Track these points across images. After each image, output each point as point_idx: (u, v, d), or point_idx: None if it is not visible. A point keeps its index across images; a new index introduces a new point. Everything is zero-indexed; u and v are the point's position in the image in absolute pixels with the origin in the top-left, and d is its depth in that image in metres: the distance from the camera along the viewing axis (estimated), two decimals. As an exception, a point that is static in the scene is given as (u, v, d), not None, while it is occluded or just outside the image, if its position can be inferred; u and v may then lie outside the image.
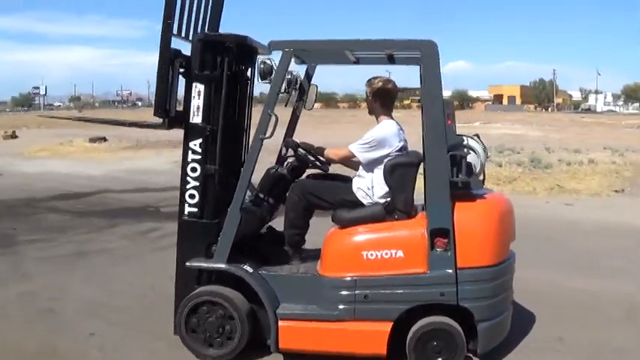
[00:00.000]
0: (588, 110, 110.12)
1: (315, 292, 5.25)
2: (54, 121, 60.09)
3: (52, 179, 17.95)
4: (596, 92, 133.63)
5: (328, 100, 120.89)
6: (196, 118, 5.50)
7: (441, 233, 5.01)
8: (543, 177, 17.02)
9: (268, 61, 5.35)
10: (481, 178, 5.61)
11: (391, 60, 5.86)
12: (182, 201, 5.56)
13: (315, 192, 5.56)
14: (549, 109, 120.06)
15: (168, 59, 5.46)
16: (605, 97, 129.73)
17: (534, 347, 5.76)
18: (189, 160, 5.52)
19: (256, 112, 5.80)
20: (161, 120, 5.59)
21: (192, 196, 5.53)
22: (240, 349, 5.33)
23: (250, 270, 5.33)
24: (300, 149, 5.90)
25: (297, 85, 6.04)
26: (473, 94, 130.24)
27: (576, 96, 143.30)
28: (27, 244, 9.65)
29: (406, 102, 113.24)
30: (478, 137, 5.60)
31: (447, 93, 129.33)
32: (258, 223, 5.68)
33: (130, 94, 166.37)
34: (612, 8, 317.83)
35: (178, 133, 5.68)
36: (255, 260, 5.51)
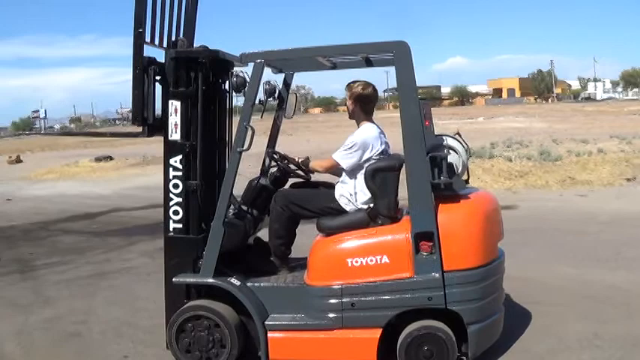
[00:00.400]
0: (588, 99, 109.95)
1: (303, 302, 5.26)
2: (57, 144, 60.61)
3: (63, 201, 17.91)
4: (595, 80, 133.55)
5: (328, 105, 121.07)
6: (175, 135, 5.53)
7: (425, 237, 4.97)
8: (554, 169, 16.94)
9: (241, 74, 5.39)
10: (465, 177, 5.54)
11: (368, 63, 5.87)
12: (166, 217, 5.58)
13: (298, 201, 5.55)
14: (549, 99, 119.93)
15: (142, 67, 5.48)
16: (604, 85, 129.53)
17: (571, 344, 5.70)
18: (170, 177, 5.54)
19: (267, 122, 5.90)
20: (141, 128, 5.64)
21: (176, 212, 5.55)
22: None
23: (237, 283, 5.35)
24: (279, 159, 5.95)
25: (276, 95, 5.89)
26: (472, 89, 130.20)
27: (575, 85, 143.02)
28: (46, 267, 9.59)
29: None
30: (459, 136, 5.56)
31: (446, 89, 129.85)
32: (242, 235, 5.67)
33: (129, 111, 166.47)
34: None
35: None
36: (242, 272, 5.54)
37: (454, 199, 5.13)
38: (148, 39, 5.54)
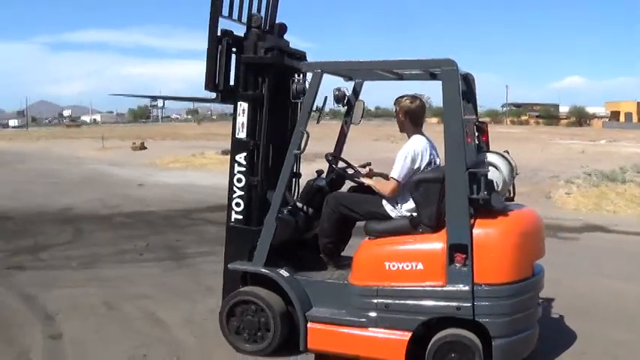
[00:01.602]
0: None
1: (343, 299, 5.53)
2: (177, 133, 62.13)
3: (196, 191, 18.36)
4: None
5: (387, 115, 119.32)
6: (241, 134, 6.01)
7: (459, 249, 5.11)
8: (688, 198, 16.20)
9: (301, 81, 5.72)
10: (507, 194, 5.70)
11: (433, 76, 5.95)
12: (229, 208, 6.09)
13: (347, 204, 5.84)
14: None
15: (217, 39, 5.94)
16: None
17: None
18: (235, 171, 6.04)
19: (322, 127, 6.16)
20: (214, 94, 6.10)
21: (237, 205, 6.05)
22: (274, 347, 5.77)
23: (286, 274, 5.76)
24: (334, 163, 6.26)
25: (345, 101, 6.16)
26: (589, 110, 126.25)
27: None
28: (197, 256, 9.87)
29: (524, 118, 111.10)
30: (508, 153, 5.69)
31: (565, 109, 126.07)
32: (292, 231, 5.98)
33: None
34: None
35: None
36: (295, 265, 5.92)
37: (493, 215, 5.26)
38: (225, 13, 6.03)
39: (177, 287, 8.05)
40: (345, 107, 6.53)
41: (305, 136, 5.64)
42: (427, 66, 5.69)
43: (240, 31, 6.18)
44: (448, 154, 5.18)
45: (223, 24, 6.02)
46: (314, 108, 5.82)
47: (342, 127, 6.74)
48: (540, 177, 20.58)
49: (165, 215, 14.18)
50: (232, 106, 6.08)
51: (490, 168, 5.35)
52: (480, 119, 6.06)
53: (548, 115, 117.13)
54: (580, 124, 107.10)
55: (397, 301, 5.30)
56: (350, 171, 6.28)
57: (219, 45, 5.97)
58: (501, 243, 5.20)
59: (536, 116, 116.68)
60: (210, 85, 5.98)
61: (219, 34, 5.97)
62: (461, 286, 5.11)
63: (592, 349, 6.14)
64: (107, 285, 8.14)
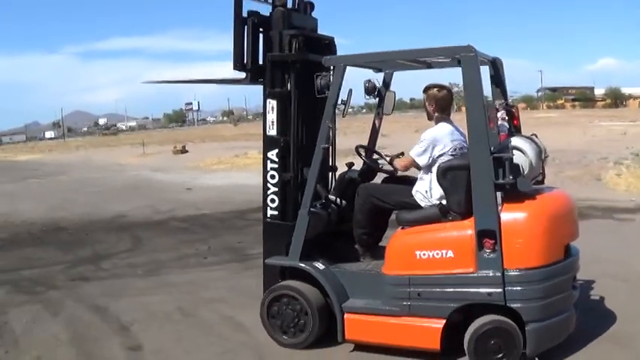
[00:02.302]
0: None
1: (378, 289, 5.55)
2: (215, 135, 62.53)
3: (245, 191, 17.83)
4: None
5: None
6: (272, 131, 6.10)
7: (487, 234, 5.10)
8: None
9: (325, 76, 5.76)
10: (539, 177, 5.63)
11: (459, 63, 5.80)
12: (264, 205, 6.21)
13: (378, 195, 5.88)
14: None
15: (242, 19, 6.08)
16: None
17: None
18: (268, 168, 6.13)
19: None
20: (244, 75, 6.18)
21: (272, 201, 6.15)
22: (312, 339, 5.82)
23: (321, 267, 5.81)
24: (366, 155, 6.33)
25: (376, 92, 6.22)
26: (625, 91, 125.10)
27: None
28: (261, 257, 9.51)
29: (560, 102, 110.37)
30: (536, 136, 5.65)
31: (600, 91, 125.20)
32: (325, 224, 5.99)
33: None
34: None
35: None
36: (331, 258, 5.97)
37: (521, 199, 5.21)
38: None
39: (249, 289, 7.70)
40: (377, 99, 6.59)
41: (331, 129, 5.79)
42: (446, 53, 5.72)
43: (266, 11, 6.28)
44: (471, 140, 5.23)
45: (249, 5, 6.18)
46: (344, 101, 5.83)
47: (374, 118, 6.81)
48: (588, 159, 20.32)
49: (219, 217, 14.12)
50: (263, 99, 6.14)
51: (515, 152, 5.31)
52: (516, 105, 6.16)
53: (585, 97, 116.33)
54: (616, 106, 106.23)
55: (429, 289, 5.33)
56: (380, 161, 6.33)
57: (245, 25, 6.11)
58: (529, 227, 5.18)
59: (572, 100, 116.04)
60: (238, 64, 6.12)
61: (244, 15, 6.11)
62: (491, 272, 5.11)
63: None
64: (177, 291, 8.04)
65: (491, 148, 5.13)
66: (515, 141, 5.43)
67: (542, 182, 5.75)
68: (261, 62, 6.22)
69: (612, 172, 17.55)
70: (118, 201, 17.79)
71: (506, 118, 5.91)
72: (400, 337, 5.47)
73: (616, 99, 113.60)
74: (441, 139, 5.62)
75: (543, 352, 5.22)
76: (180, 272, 9.07)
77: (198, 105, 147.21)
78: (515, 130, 5.91)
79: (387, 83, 6.69)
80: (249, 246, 10.55)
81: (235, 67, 6.16)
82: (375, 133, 6.74)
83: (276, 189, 6.11)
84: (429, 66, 6.41)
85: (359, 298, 5.72)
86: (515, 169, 5.18)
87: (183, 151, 39.10)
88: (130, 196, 18.86)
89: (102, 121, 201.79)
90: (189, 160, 33.49)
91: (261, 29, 6.20)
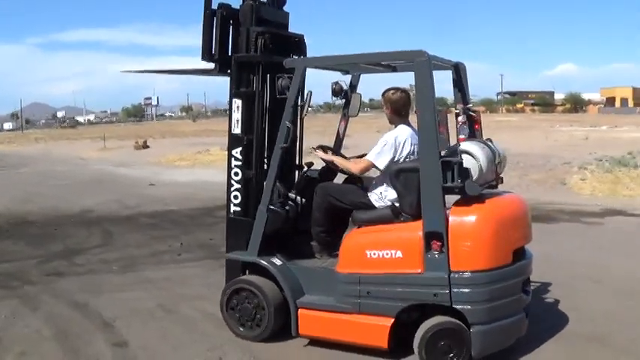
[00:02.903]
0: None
1: (331, 286, 5.66)
2: (175, 130, 62.27)
3: (211, 188, 17.96)
4: None
5: (442, 106, 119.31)
6: (236, 129, 6.29)
7: (435, 236, 5.18)
8: (702, 182, 16.34)
9: (286, 77, 6.07)
10: (490, 182, 5.75)
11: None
12: (228, 201, 6.39)
13: (335, 194, 5.99)
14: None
15: (212, 10, 6.28)
16: None
17: None
18: (232, 165, 6.33)
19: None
20: (213, 65, 6.38)
21: (235, 197, 6.33)
22: (268, 333, 5.97)
23: (278, 262, 5.99)
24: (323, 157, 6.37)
25: (343, 94, 6.54)
26: (584, 96, 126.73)
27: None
28: None
29: (519, 106, 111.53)
30: (490, 141, 5.78)
31: (560, 96, 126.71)
32: (283, 221, 6.15)
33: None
34: None
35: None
36: (289, 254, 6.14)
37: (470, 202, 5.30)
38: None
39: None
40: (343, 100, 6.75)
41: (290, 130, 5.86)
42: (400, 57, 5.88)
43: (238, 3, 6.43)
44: (421, 143, 5.33)
45: None
46: (320, 102, 6.02)
47: (340, 119, 6.95)
48: (552, 164, 20.62)
49: (188, 214, 14.10)
50: (227, 100, 6.32)
51: (466, 156, 5.40)
52: (475, 108, 6.23)
53: (544, 102, 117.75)
54: (576, 111, 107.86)
55: (378, 288, 5.40)
56: (337, 160, 6.34)
57: (214, 17, 6.30)
58: (476, 230, 5.25)
59: (532, 104, 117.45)
60: (206, 55, 6.31)
61: (214, 7, 6.30)
62: (437, 273, 5.18)
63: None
64: (155, 287, 8.00)
65: (441, 152, 5.25)
66: (465, 145, 5.55)
67: (495, 187, 5.90)
68: (230, 53, 6.38)
69: (577, 176, 17.92)
70: (84, 195, 17.58)
71: (467, 122, 6.01)
72: (350, 334, 5.58)
73: (576, 104, 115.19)
74: (400, 143, 5.70)
75: (496, 352, 5.32)
76: (155, 269, 9.01)
77: (157, 100, 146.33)
78: (476, 134, 6.02)
79: (353, 85, 6.81)
80: (221, 243, 10.07)
81: (203, 58, 6.35)
82: (341, 133, 6.91)
83: (239, 186, 6.29)
84: (394, 69, 6.51)
85: (313, 294, 5.85)
86: (464, 173, 5.25)
87: (145, 146, 38.98)
88: (96, 191, 18.69)
89: (60, 114, 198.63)
90: (150, 155, 33.38)
91: (231, 21, 6.38)
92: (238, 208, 6.31)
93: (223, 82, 6.35)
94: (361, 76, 6.82)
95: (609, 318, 6.61)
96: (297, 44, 6.77)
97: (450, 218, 5.20)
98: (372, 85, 7.09)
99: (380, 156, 5.70)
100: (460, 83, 6.16)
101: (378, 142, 5.77)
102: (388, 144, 5.68)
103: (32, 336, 6.31)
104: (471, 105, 6.13)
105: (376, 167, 5.78)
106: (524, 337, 6.00)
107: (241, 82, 6.27)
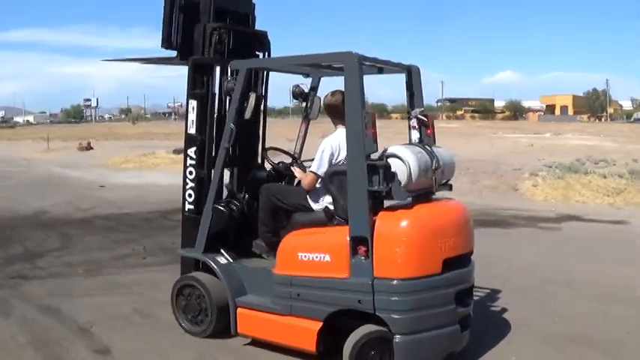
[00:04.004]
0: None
1: (268, 287, 5.65)
2: (117, 133, 61.52)
3: (162, 191, 18.02)
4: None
5: (381, 112, 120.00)
6: (191, 130, 6.41)
7: (360, 241, 5.08)
8: (646, 189, 16.80)
9: (231, 80, 6.11)
10: (425, 188, 5.54)
11: (380, 70, 6.17)
12: (183, 199, 6.51)
13: (277, 195, 6.02)
14: (602, 119, 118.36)
15: (170, 1, 6.38)
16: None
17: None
18: (187, 164, 6.44)
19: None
20: (175, 53, 6.51)
21: (190, 195, 6.45)
22: (211, 330, 6.06)
23: (223, 261, 6.07)
24: (270, 161, 6.57)
25: (303, 97, 6.72)
26: (524, 104, 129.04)
27: (626, 105, 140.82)
28: None
29: (460, 112, 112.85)
30: (429, 147, 5.63)
31: (500, 103, 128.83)
32: (227, 219, 6.16)
33: (181, 105, 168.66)
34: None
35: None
36: (237, 252, 6.21)
37: (400, 208, 5.25)
38: None
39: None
40: (304, 103, 6.85)
41: (234, 131, 5.93)
42: (330, 59, 5.89)
43: None
44: (348, 145, 5.22)
45: None
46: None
47: (301, 122, 7.04)
48: (503, 170, 21.04)
49: (143, 217, 13.89)
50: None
51: (395, 160, 5.25)
52: (432, 114, 6.19)
53: (485, 109, 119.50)
54: (516, 118, 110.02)
55: (307, 291, 5.37)
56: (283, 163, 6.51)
57: (174, 5, 6.38)
58: (400, 237, 5.09)
59: (472, 111, 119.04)
60: (165, 43, 6.41)
61: None
62: (362, 279, 5.08)
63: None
64: (127, 292, 7.81)
65: (369, 155, 5.13)
66: (395, 148, 5.37)
67: (432, 193, 5.68)
68: (192, 39, 6.44)
69: (528, 182, 18.26)
70: (35, 196, 17.16)
71: (417, 127, 5.90)
72: (282, 336, 5.57)
73: (515, 111, 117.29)
74: (337, 147, 5.65)
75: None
76: (123, 273, 8.82)
77: (97, 101, 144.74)
78: (426, 139, 5.89)
79: (313, 88, 6.82)
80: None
81: (163, 45, 6.43)
82: (302, 136, 6.96)
83: (193, 184, 6.40)
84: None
85: (253, 294, 5.87)
86: (391, 177, 5.15)
87: (89, 147, 38.31)
88: (46, 192, 18.26)
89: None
90: (95, 157, 32.75)
91: (190, 9, 6.43)
92: (192, 206, 6.42)
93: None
94: (321, 79, 6.84)
95: (588, 321, 6.74)
96: (259, 41, 6.79)
97: (377, 223, 5.08)
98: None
99: (321, 165, 5.68)
100: (413, 87, 6.05)
101: (317, 149, 5.75)
102: (325, 151, 5.67)
103: (8, 343, 6.08)
104: (422, 109, 6.01)
105: (320, 177, 5.75)
106: (511, 338, 6.19)
107: (196, 84, 6.36)
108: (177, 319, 6.34)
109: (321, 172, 5.67)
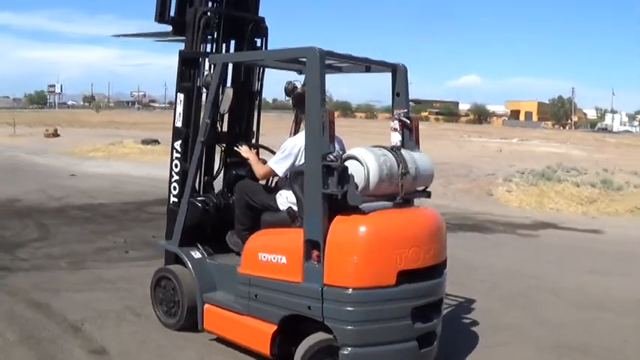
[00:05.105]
0: (605, 129, 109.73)
1: (233, 285, 5.59)
2: (81, 120, 60.93)
3: (135, 182, 18.09)
4: (613, 112, 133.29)
5: (345, 110, 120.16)
6: (178, 123, 6.44)
7: (314, 245, 4.89)
8: (619, 199, 17.13)
9: (210, 74, 6.11)
10: (390, 193, 5.19)
11: (368, 69, 6.08)
12: (169, 191, 6.54)
13: (249, 193, 5.96)
14: (567, 126, 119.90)
15: None
16: (621, 117, 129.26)
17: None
18: (173, 157, 6.48)
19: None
20: (169, 28, 6.59)
21: (174, 188, 6.48)
22: (182, 323, 6.08)
23: (197, 255, 6.10)
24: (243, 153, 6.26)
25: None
26: (488, 108, 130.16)
27: (591, 114, 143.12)
28: None
29: (424, 114, 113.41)
30: (396, 150, 5.27)
31: (465, 106, 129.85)
32: (201, 214, 6.15)
33: (144, 95, 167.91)
34: (624, 28, 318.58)
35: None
36: (213, 248, 6.21)
37: (358, 213, 4.93)
38: None
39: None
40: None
41: (208, 125, 5.95)
42: (292, 55, 5.72)
43: None
44: (306, 144, 5.05)
45: None
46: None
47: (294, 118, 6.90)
48: (475, 174, 21.34)
49: (119, 208, 13.73)
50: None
51: (353, 163, 4.98)
52: (416, 116, 5.90)
53: (449, 112, 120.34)
54: (480, 122, 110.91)
55: (264, 292, 5.26)
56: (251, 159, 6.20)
57: None
58: (352, 244, 4.81)
59: (437, 113, 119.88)
60: (157, 17, 6.45)
61: None
62: (313, 284, 4.88)
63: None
64: (114, 287, 7.65)
65: (327, 156, 4.83)
66: (355, 150, 5.10)
67: (396, 198, 5.21)
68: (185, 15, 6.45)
69: (502, 188, 18.49)
70: (6, 183, 16.83)
71: (399, 129, 5.62)
72: (239, 335, 5.51)
73: (480, 115, 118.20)
74: (300, 147, 5.43)
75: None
76: (107, 267, 8.62)
77: (61, 88, 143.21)
78: (408, 142, 5.62)
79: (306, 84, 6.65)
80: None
81: (156, 19, 6.46)
82: (292, 133, 6.64)
83: (178, 177, 6.40)
84: (340, 70, 6.32)
85: (220, 291, 5.84)
86: (348, 180, 4.85)
87: (55, 134, 38.36)
88: (16, 179, 18.00)
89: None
90: (62, 144, 32.51)
91: None
92: (176, 199, 6.40)
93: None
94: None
95: (580, 329, 6.81)
96: (254, 27, 6.71)
97: (330, 228, 4.84)
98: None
99: (279, 162, 5.61)
100: (399, 87, 5.73)
101: (280, 146, 5.70)
102: (287, 150, 5.56)
103: (-3, 340, 5.87)
104: (406, 110, 5.71)
105: (275, 173, 5.74)
106: (509, 346, 6.20)
107: (184, 77, 6.35)
108: (154, 310, 6.41)
109: (278, 170, 5.61)
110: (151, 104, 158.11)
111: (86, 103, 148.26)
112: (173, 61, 6.33)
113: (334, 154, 4.86)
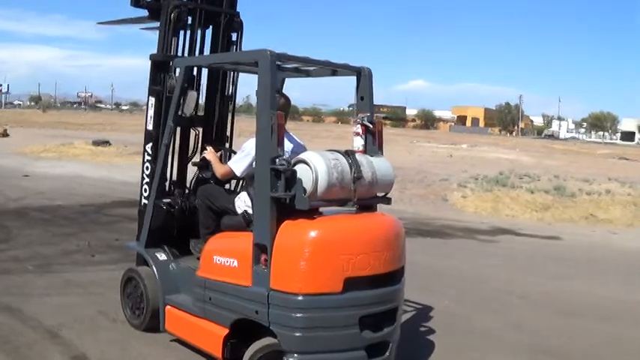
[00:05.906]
0: (552, 136, 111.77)
1: (191, 287, 5.63)
2: (29, 120, 60.02)
3: (89, 183, 17.99)
4: (559, 119, 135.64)
5: (292, 113, 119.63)
6: (149, 126, 6.51)
7: (262, 249, 4.87)
8: (572, 205, 17.42)
9: (174, 77, 6.21)
10: (343, 198, 5.05)
11: (334, 72, 6.08)
12: (140, 194, 6.59)
13: (209, 197, 5.96)
14: (514, 133, 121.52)
15: None
16: (567, 124, 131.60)
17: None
18: (144, 160, 6.54)
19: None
20: (146, 13, 6.65)
21: (145, 190, 6.52)
22: (147, 323, 6.13)
23: (162, 257, 6.15)
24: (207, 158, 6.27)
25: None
26: (435, 113, 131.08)
27: (537, 121, 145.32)
28: None
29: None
30: (349, 155, 5.11)
31: (412, 111, 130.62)
32: (165, 216, 6.24)
33: (91, 95, 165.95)
34: (569, 36, 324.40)
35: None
36: (180, 250, 6.25)
37: (306, 218, 4.85)
38: None
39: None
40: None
41: (172, 128, 6.05)
42: (248, 57, 5.71)
43: None
44: (256, 147, 5.03)
45: None
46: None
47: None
48: (430, 179, 21.52)
49: (78, 211, 13.54)
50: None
51: (302, 166, 4.90)
52: (380, 120, 5.89)
53: (397, 116, 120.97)
54: (427, 127, 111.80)
55: (216, 296, 5.27)
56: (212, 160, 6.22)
57: None
58: (295, 248, 4.75)
59: (384, 117, 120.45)
60: (133, 1, 6.46)
61: None
62: (260, 289, 4.85)
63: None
64: (86, 292, 7.52)
65: (276, 160, 4.77)
66: (306, 154, 5.02)
67: (348, 202, 5.06)
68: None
69: (457, 193, 18.74)
70: (-44, 183, 16.35)
71: (362, 133, 5.57)
72: (195, 337, 5.54)
73: (427, 120, 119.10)
74: None
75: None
76: (75, 270, 8.48)
77: (8, 87, 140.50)
78: (370, 146, 5.60)
79: (277, 90, 6.43)
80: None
81: (132, 4, 6.45)
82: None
83: (149, 180, 6.42)
84: (309, 74, 6.41)
85: (181, 293, 5.87)
86: (295, 183, 4.80)
87: (4, 134, 37.66)
88: (-32, 179, 17.44)
89: None
90: (12, 144, 31.87)
91: None
92: (146, 201, 6.41)
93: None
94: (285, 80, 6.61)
95: (554, 333, 6.93)
96: (228, 22, 6.74)
97: (278, 232, 4.79)
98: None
99: (237, 162, 5.63)
100: (363, 90, 5.71)
101: (240, 148, 5.71)
102: (246, 150, 5.51)
103: (-27, 347, 5.71)
104: (369, 114, 5.65)
105: (234, 174, 5.72)
106: (485, 351, 6.28)
107: (155, 80, 6.41)
108: (122, 308, 6.49)
109: (236, 169, 5.62)
110: (98, 105, 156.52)
111: (32, 103, 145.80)
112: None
113: (284, 158, 4.82)
